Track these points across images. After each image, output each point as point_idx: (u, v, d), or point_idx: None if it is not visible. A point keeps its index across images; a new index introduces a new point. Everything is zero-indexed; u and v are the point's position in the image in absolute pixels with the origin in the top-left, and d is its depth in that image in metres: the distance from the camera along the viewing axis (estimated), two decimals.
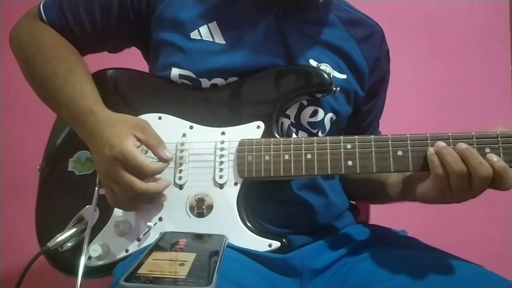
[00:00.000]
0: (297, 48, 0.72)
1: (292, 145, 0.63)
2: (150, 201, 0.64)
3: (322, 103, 0.72)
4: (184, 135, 0.68)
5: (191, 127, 0.69)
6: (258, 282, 0.57)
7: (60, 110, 0.68)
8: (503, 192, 0.56)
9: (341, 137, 0.62)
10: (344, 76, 0.74)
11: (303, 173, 0.62)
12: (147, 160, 0.60)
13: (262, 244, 0.63)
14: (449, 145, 0.58)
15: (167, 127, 0.68)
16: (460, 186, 0.56)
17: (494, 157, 0.55)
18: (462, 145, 0.56)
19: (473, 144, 0.58)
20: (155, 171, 0.61)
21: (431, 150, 0.58)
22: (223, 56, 0.70)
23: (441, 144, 0.57)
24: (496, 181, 0.55)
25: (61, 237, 0.65)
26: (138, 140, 0.61)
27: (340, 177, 0.82)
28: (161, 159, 0.63)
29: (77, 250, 0.65)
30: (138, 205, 0.63)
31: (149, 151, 0.63)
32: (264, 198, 0.67)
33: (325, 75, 0.68)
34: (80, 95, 0.65)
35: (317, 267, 0.66)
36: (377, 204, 0.88)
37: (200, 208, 0.65)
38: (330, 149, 0.62)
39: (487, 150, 0.57)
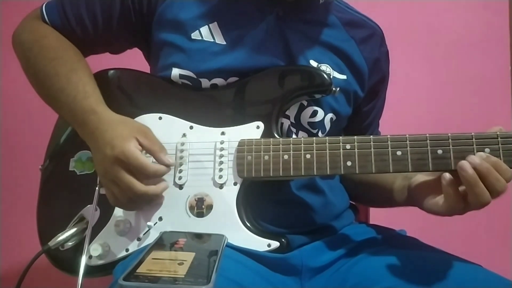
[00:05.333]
0: (298, 49, 0.72)
1: (291, 145, 0.63)
2: (148, 202, 0.64)
3: (322, 104, 0.72)
4: (184, 135, 0.68)
5: (191, 127, 0.69)
6: (257, 281, 0.58)
7: (62, 110, 0.68)
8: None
9: (340, 137, 0.62)
10: (344, 77, 0.74)
11: (302, 173, 0.62)
12: (149, 160, 0.61)
13: (261, 244, 0.63)
14: (449, 146, 0.58)
15: (167, 127, 0.69)
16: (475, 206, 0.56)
17: (483, 155, 0.56)
18: (475, 160, 0.55)
19: (472, 145, 0.58)
20: (156, 172, 0.61)
21: (446, 177, 0.56)
22: (224, 56, 0.70)
23: (469, 172, 0.54)
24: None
25: (62, 237, 0.66)
26: (141, 144, 0.62)
27: (341, 179, 0.82)
28: (163, 165, 0.63)
29: (78, 249, 0.66)
30: (137, 205, 0.64)
31: (151, 157, 0.64)
32: (263, 198, 0.67)
33: (325, 75, 0.68)
34: (82, 95, 0.65)
35: (316, 266, 0.66)
36: (379, 207, 0.88)
37: (200, 208, 0.65)
38: (329, 149, 0.62)
39: (487, 150, 0.57)
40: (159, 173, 0.62)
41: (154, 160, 0.64)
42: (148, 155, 0.64)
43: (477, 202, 0.55)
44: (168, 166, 0.63)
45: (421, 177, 0.64)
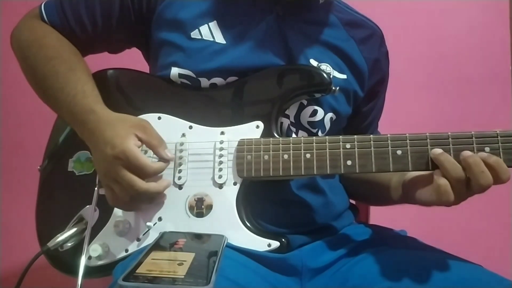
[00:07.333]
0: (298, 48, 0.72)
1: (291, 145, 0.63)
2: (149, 201, 0.64)
3: (322, 103, 0.72)
4: (183, 135, 0.68)
5: (190, 127, 0.69)
6: (257, 282, 0.57)
7: (61, 109, 0.68)
8: (503, 192, 0.56)
9: (340, 136, 0.62)
10: (344, 76, 0.74)
11: (302, 173, 0.62)
12: (149, 160, 0.61)
13: (261, 244, 0.63)
14: (449, 145, 0.58)
15: (167, 127, 0.69)
16: (459, 190, 0.56)
17: (484, 154, 0.56)
18: (467, 153, 0.56)
19: (472, 144, 0.58)
20: (156, 171, 0.61)
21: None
22: (223, 55, 0.70)
23: (437, 151, 0.57)
24: (493, 177, 0.55)
25: (61, 237, 0.65)
26: (140, 139, 0.62)
27: (340, 177, 0.82)
28: (162, 159, 0.63)
29: (77, 250, 0.65)
30: (138, 204, 0.64)
31: (149, 151, 0.64)
32: (264, 198, 0.67)
33: (325, 75, 0.68)
34: (81, 95, 0.65)
35: (316, 266, 0.66)
36: (378, 205, 0.88)
37: (200, 208, 0.65)
38: (329, 149, 0.62)
39: (487, 149, 0.57)
40: (159, 171, 0.62)
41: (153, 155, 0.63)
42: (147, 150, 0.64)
43: (452, 180, 0.55)
44: (167, 160, 0.63)
45: (415, 172, 0.64)
